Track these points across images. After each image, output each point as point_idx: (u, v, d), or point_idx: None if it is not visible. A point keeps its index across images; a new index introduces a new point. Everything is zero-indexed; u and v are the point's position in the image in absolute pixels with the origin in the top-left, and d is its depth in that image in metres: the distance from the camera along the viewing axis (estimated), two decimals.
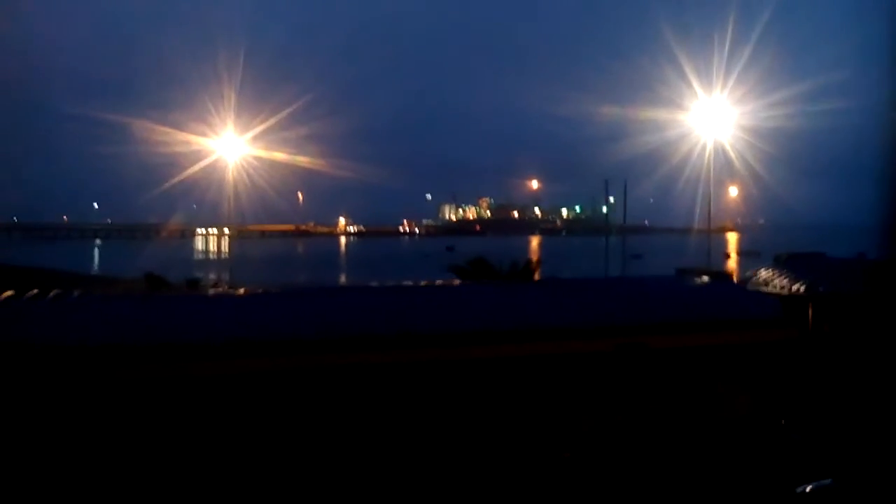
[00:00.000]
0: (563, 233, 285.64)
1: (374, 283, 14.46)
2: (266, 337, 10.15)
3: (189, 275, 43.75)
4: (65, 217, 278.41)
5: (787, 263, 21.91)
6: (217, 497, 9.61)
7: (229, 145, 48.48)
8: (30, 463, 9.08)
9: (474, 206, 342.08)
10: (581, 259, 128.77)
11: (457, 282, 20.78)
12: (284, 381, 9.91)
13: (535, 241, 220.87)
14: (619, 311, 11.69)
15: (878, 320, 15.75)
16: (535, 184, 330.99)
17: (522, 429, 10.49)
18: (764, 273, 21.13)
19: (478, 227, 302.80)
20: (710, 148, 50.06)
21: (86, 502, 9.12)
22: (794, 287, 19.53)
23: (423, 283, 16.76)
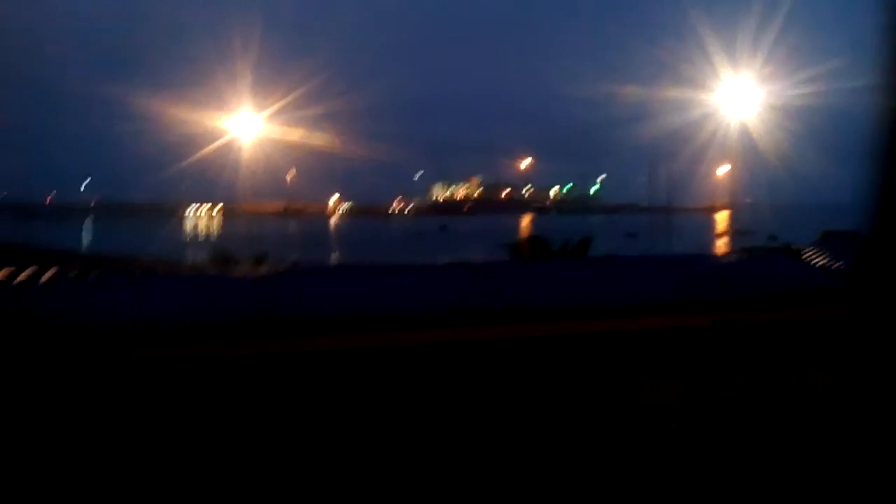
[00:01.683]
0: (553, 212, 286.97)
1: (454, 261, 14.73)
2: (404, 311, 10.45)
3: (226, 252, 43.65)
4: (48, 197, 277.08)
5: (821, 242, 22.41)
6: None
7: (242, 124, 48.62)
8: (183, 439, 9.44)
9: (463, 184, 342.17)
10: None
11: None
12: (420, 356, 10.25)
13: (526, 220, 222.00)
14: (705, 286, 12.04)
15: None
16: (526, 163, 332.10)
17: (630, 401, 10.89)
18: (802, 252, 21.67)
19: (466, 207, 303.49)
20: (733, 125, 50.47)
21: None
22: (834, 265, 20.06)
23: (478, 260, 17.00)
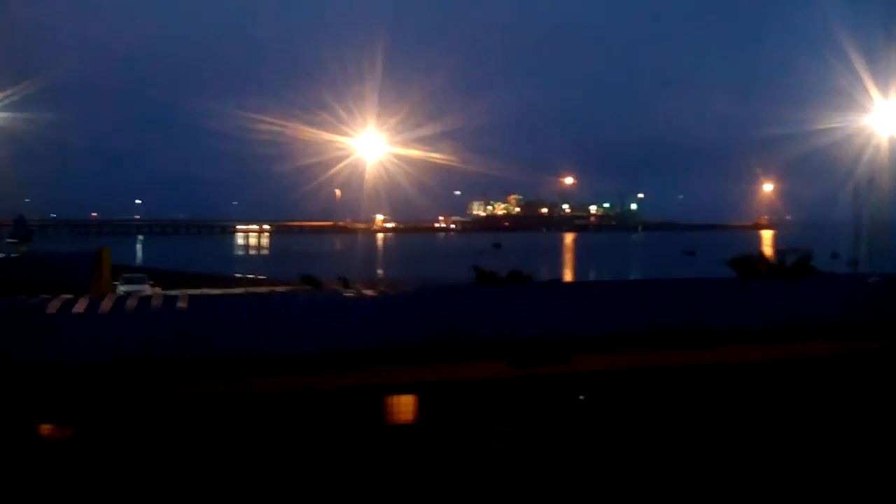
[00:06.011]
0: (637, 229, 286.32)
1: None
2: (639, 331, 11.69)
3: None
4: (93, 213, 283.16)
5: None
6: None
7: (370, 145, 51.85)
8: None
9: (503, 202, 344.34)
10: (640, 256, 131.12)
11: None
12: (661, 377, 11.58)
13: (570, 238, 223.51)
14: None
15: None
16: (567, 181, 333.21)
17: None
18: None
19: (508, 224, 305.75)
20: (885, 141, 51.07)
21: None
22: None
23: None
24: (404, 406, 10.63)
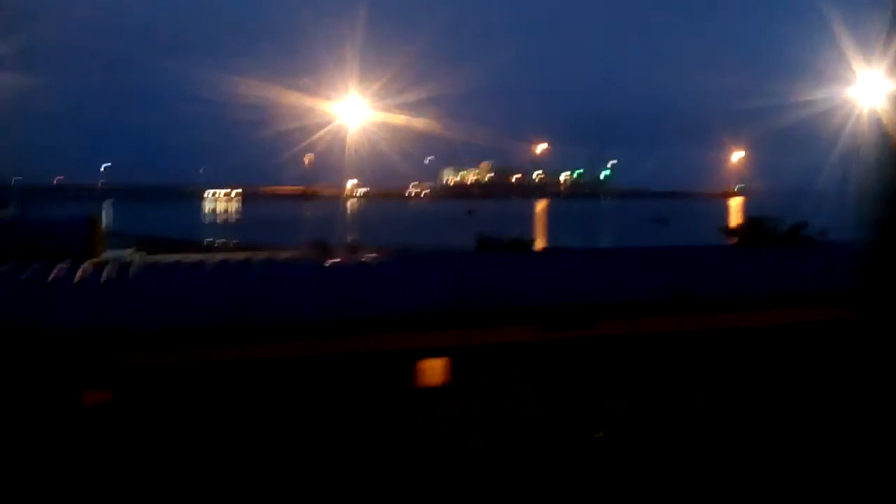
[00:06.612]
0: (606, 197, 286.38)
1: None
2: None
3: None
4: (58, 178, 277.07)
5: None
6: None
7: (350, 110, 51.55)
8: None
9: (474, 169, 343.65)
10: (614, 222, 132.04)
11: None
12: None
13: (541, 205, 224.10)
14: None
15: None
16: (540, 148, 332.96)
17: None
18: None
19: (479, 192, 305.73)
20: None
21: None
22: None
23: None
24: (435, 369, 10.98)
